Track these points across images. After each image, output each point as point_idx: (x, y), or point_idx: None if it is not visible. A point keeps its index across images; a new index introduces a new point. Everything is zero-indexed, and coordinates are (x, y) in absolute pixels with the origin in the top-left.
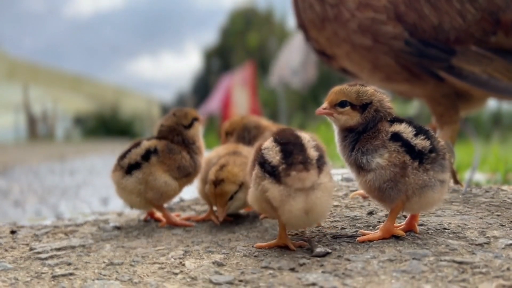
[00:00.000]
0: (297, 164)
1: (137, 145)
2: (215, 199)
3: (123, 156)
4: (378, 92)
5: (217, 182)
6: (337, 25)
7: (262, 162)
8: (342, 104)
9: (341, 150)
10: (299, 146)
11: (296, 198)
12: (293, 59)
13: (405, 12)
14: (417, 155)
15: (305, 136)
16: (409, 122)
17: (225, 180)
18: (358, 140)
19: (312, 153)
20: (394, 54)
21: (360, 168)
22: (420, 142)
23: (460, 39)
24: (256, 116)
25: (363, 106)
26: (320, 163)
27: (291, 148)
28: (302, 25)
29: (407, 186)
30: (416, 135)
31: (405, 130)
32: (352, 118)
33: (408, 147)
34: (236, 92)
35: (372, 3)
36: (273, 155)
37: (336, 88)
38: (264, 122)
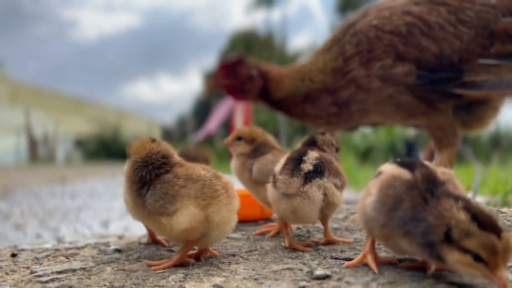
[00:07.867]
0: (286, 171)
1: None
2: None
3: None
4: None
5: None
6: (365, 96)
7: (274, 173)
8: None
9: None
10: (298, 159)
11: (282, 201)
12: None
13: (405, 50)
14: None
15: (312, 153)
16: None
17: None
18: None
19: (306, 166)
20: (409, 90)
21: None
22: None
23: (463, 59)
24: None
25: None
26: (311, 175)
27: (290, 161)
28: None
29: None
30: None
31: None
32: None
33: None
34: (237, 113)
35: (373, 55)
36: (279, 166)
37: None
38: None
